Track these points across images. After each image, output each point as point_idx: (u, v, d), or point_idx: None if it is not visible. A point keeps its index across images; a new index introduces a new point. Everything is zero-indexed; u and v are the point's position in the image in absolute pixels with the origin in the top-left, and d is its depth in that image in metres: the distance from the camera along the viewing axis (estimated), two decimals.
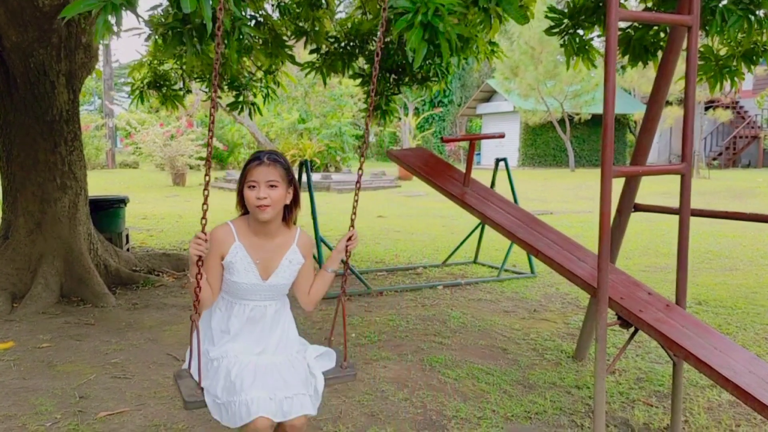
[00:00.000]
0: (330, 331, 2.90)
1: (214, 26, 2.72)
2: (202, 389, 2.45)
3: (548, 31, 4.95)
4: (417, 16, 3.24)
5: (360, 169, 2.81)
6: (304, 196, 6.74)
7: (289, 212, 2.58)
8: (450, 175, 4.35)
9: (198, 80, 7.10)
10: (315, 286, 2.71)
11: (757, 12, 3.80)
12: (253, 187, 2.44)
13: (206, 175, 2.38)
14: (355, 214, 2.71)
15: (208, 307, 2.57)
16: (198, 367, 2.44)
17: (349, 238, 2.66)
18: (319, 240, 6.36)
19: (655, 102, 3.86)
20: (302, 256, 2.63)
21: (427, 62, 6.25)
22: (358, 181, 2.74)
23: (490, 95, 34.63)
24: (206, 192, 2.32)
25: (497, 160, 7.46)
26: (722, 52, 4.52)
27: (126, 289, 6.35)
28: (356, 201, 2.76)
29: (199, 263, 2.38)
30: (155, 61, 6.63)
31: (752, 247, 9.07)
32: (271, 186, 2.44)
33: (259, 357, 2.50)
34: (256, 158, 2.49)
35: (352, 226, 2.70)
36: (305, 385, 2.47)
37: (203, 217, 2.40)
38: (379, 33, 2.74)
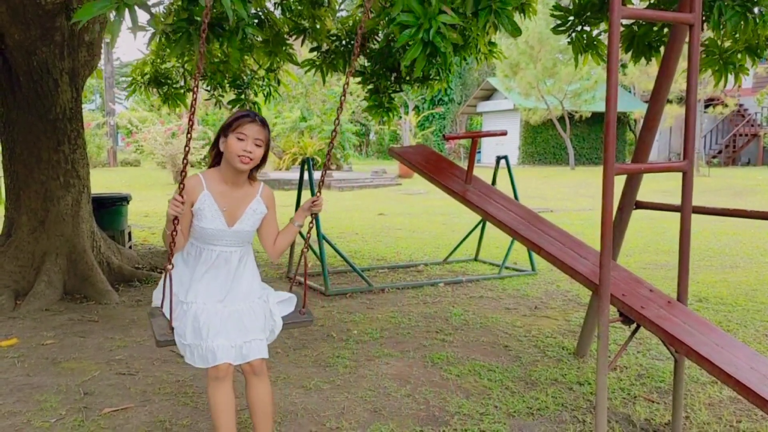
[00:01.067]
0: (295, 273, 3.36)
1: (206, 24, 2.77)
2: (172, 329, 2.75)
3: (555, 30, 4.96)
4: (419, 33, 3.28)
5: (327, 161, 3.10)
6: (305, 194, 6.77)
7: (255, 169, 2.87)
8: (452, 172, 4.36)
9: (200, 79, 7.10)
10: (280, 238, 2.98)
11: (753, 9, 3.82)
12: (242, 139, 2.71)
13: (188, 133, 2.59)
14: (320, 189, 3.02)
15: (180, 250, 2.85)
16: (170, 309, 2.73)
17: (314, 202, 2.95)
18: (321, 237, 6.38)
19: (657, 100, 3.88)
20: (265, 206, 2.90)
21: (433, 62, 6.26)
22: (326, 167, 3.05)
23: (490, 93, 34.62)
24: (186, 159, 2.59)
25: (498, 158, 7.48)
26: (726, 46, 4.53)
27: (129, 287, 6.37)
28: (323, 180, 3.07)
29: (175, 221, 2.64)
30: (158, 60, 6.64)
31: (752, 245, 9.09)
32: (257, 144, 2.74)
33: (223, 305, 2.79)
34: (247, 115, 2.76)
35: (319, 192, 3.00)
36: (263, 330, 2.84)
37: (181, 182, 2.65)
38: (354, 49, 2.97)
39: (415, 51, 3.26)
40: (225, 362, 2.69)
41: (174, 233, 2.66)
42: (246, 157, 2.72)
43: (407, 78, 6.66)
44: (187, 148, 2.60)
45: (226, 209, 2.79)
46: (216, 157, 2.86)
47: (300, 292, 3.09)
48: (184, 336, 2.73)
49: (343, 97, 3.04)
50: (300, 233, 3.11)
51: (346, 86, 3.02)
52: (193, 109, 2.65)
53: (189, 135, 2.62)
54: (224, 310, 2.77)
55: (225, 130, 2.78)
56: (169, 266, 2.71)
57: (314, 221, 3.10)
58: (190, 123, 2.62)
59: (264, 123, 2.80)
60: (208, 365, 2.69)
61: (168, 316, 2.78)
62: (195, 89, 2.67)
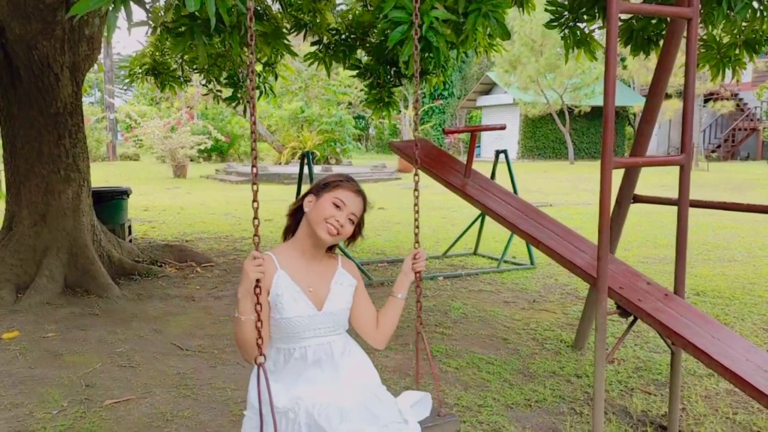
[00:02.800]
0: (415, 373, 2.57)
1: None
2: None
3: (548, 25, 4.98)
4: (412, 29, 3.29)
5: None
6: (304, 188, 6.79)
7: (347, 242, 2.35)
8: (451, 166, 4.39)
9: (198, 72, 7.13)
10: (385, 317, 2.39)
11: (763, 0, 3.84)
12: (338, 207, 2.22)
13: (253, 183, 2.09)
14: (417, 228, 2.46)
15: (262, 349, 2.11)
16: (273, 419, 2.03)
17: (415, 257, 2.40)
18: None
19: (655, 93, 3.90)
20: (352, 277, 2.35)
21: (427, 55, 6.28)
22: (416, 188, 2.46)
23: (490, 87, 34.60)
24: (255, 204, 2.07)
25: (497, 152, 7.50)
26: (724, 41, 4.56)
27: (129, 280, 6.40)
28: (417, 213, 2.46)
29: (257, 290, 2.06)
30: (157, 52, 6.66)
31: (750, 239, 9.12)
32: (350, 220, 2.25)
33: (338, 398, 2.17)
34: (350, 181, 2.29)
35: (418, 243, 2.45)
36: (400, 417, 2.16)
37: (255, 234, 2.07)
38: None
39: (410, 47, 3.28)
40: None
41: (259, 307, 2.05)
42: (334, 228, 2.19)
43: (406, 72, 6.68)
44: (255, 187, 2.09)
45: (308, 288, 2.23)
46: (295, 224, 2.32)
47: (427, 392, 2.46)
48: None
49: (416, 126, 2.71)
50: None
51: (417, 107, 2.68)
52: (253, 118, 2.16)
53: (254, 169, 2.11)
54: (342, 402, 2.15)
55: (318, 189, 2.27)
56: (261, 358, 2.07)
57: (419, 289, 2.63)
58: (253, 152, 2.13)
59: (365, 199, 2.31)
60: None
61: None
62: (251, 95, 2.17)
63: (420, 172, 2.59)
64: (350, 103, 26.96)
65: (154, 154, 22.80)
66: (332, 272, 2.31)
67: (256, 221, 2.06)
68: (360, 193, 2.29)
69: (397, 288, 2.40)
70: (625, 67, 29.12)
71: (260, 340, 2.06)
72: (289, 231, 2.34)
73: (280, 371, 2.21)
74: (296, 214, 2.32)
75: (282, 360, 2.22)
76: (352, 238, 2.32)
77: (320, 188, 2.27)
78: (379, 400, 2.19)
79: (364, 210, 2.31)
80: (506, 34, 3.77)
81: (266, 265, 2.13)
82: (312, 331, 2.20)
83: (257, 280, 2.05)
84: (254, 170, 2.13)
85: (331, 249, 2.36)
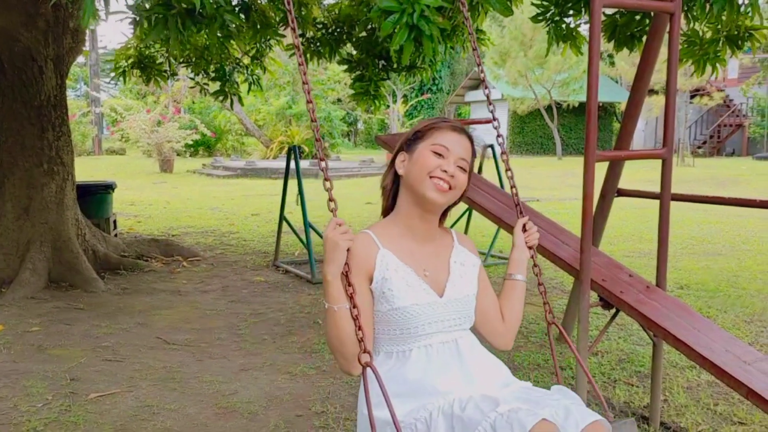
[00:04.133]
0: (555, 374, 2.15)
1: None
2: None
3: (534, 19, 4.99)
4: (403, 17, 3.27)
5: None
6: (291, 183, 6.78)
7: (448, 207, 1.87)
8: None
9: (184, 65, 7.10)
10: (508, 308, 1.95)
11: None
12: (441, 155, 1.76)
13: (316, 140, 1.74)
14: (516, 196, 2.12)
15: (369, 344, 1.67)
16: (394, 421, 1.54)
17: (524, 228, 2.02)
18: (307, 225, 6.40)
19: (639, 88, 3.93)
20: (474, 255, 1.92)
21: (420, 49, 6.29)
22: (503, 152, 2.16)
23: (478, 83, 34.61)
24: (324, 163, 1.71)
25: (484, 147, 7.52)
26: (707, 36, 4.59)
27: (115, 275, 6.37)
28: (511, 178, 2.10)
29: (347, 267, 1.65)
30: (141, 45, 6.62)
31: (734, 233, 9.21)
32: (461, 167, 1.79)
33: (484, 389, 1.71)
34: (446, 121, 1.83)
35: (521, 213, 2.06)
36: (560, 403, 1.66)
37: (330, 199, 1.68)
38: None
39: (401, 36, 3.27)
40: (544, 420, 1.53)
41: (351, 289, 1.65)
42: (444, 181, 1.74)
43: (395, 66, 6.68)
44: (318, 150, 1.75)
45: (427, 272, 1.79)
46: (389, 182, 1.87)
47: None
48: None
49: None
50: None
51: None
52: (312, 107, 1.78)
53: (315, 127, 1.75)
54: (488, 393, 1.69)
55: (410, 141, 1.82)
56: (365, 357, 1.61)
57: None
58: (314, 125, 1.76)
59: (471, 139, 1.85)
60: (530, 426, 1.51)
61: None
62: (304, 71, 1.82)
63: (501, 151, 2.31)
64: (339, 99, 26.90)
65: (140, 149, 22.66)
66: (449, 250, 1.87)
67: (327, 183, 1.70)
68: (463, 131, 1.83)
69: (515, 268, 1.96)
70: (612, 64, 29.26)
71: (360, 332, 1.62)
72: (386, 211, 1.88)
73: (392, 378, 1.71)
74: (392, 186, 1.85)
75: (396, 365, 1.74)
76: (464, 194, 1.83)
77: (412, 140, 1.82)
78: (537, 391, 1.77)
79: (474, 154, 1.84)
80: (507, 10, 3.76)
81: (365, 243, 1.74)
82: (434, 325, 1.74)
83: (347, 250, 1.64)
84: (314, 124, 1.75)
85: (442, 219, 1.90)
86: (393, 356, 1.75)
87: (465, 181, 1.80)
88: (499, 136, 2.22)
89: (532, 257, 2.01)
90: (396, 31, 3.34)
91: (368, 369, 1.59)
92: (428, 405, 1.67)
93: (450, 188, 1.75)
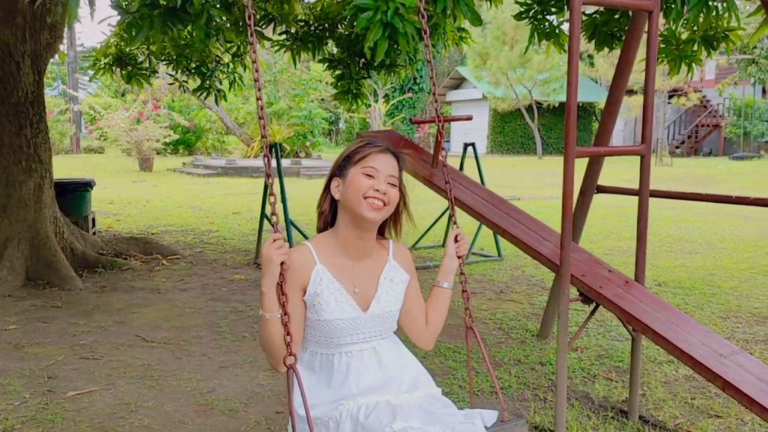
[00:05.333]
0: (468, 372, 2.29)
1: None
2: None
3: (518, 17, 5.02)
4: (377, 15, 3.28)
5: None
6: (274, 182, 6.77)
7: (387, 225, 2.02)
8: (419, 156, 4.41)
9: (165, 62, 7.04)
10: (433, 313, 2.11)
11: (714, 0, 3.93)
12: (371, 176, 1.89)
13: (265, 155, 1.86)
14: (454, 210, 2.29)
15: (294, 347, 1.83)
16: (309, 424, 1.74)
17: (456, 239, 2.16)
18: (288, 222, 6.38)
19: (617, 86, 3.97)
20: (405, 271, 2.04)
21: (395, 48, 6.30)
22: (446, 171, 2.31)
23: (459, 82, 34.78)
24: (270, 180, 1.85)
25: (465, 145, 7.55)
26: (683, 37, 4.64)
27: (93, 273, 6.30)
28: (453, 210, 2.28)
29: (281, 279, 1.79)
30: (122, 42, 6.55)
31: (711, 232, 9.33)
32: (391, 184, 1.91)
33: (390, 397, 1.89)
34: (374, 143, 1.95)
35: (456, 224, 2.21)
36: (463, 418, 1.87)
37: (273, 213, 1.84)
38: None
39: (375, 33, 3.28)
40: None
41: (284, 299, 1.80)
42: (377, 200, 1.87)
43: (375, 64, 6.68)
44: (266, 159, 1.87)
45: (356, 289, 1.93)
46: (326, 206, 1.99)
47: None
48: None
49: (440, 131, 2.42)
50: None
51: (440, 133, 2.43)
52: (262, 113, 1.95)
53: (265, 140, 1.91)
54: (393, 401, 1.88)
55: (342, 166, 1.94)
56: (290, 359, 1.78)
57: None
58: (263, 132, 1.93)
59: (399, 156, 1.97)
60: None
61: None
62: (257, 76, 1.95)
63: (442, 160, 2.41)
64: (323, 99, 26.84)
65: (119, 147, 22.43)
66: (382, 266, 2.00)
67: (272, 198, 1.84)
68: (389, 151, 1.95)
69: (443, 276, 2.13)
70: (592, 65, 29.50)
71: (288, 337, 1.78)
72: (324, 226, 2.01)
73: (318, 378, 1.93)
74: (328, 207, 1.98)
75: (318, 365, 1.94)
76: (397, 214, 1.99)
77: (343, 165, 1.93)
78: (438, 401, 1.94)
79: (401, 169, 1.97)
80: (477, 20, 3.79)
81: (303, 258, 1.89)
82: (355, 335, 1.91)
83: (281, 264, 1.78)
84: (264, 140, 1.94)
85: (381, 233, 2.03)
86: (317, 356, 1.94)
87: (397, 196, 1.94)
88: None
89: (460, 266, 2.17)
90: (370, 28, 3.34)
91: (291, 370, 1.78)
92: (341, 406, 1.86)
93: (384, 204, 1.90)
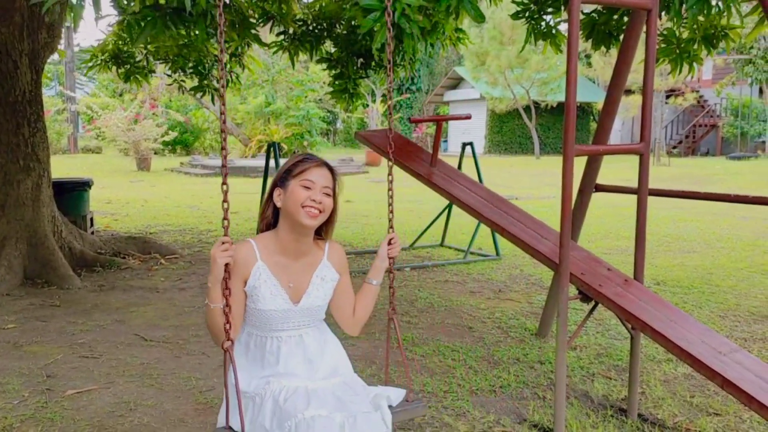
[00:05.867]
0: (385, 359, 2.56)
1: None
2: None
3: (514, 16, 5.03)
4: (383, 16, 3.28)
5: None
6: (271, 180, 6.78)
7: (324, 227, 2.29)
8: (417, 155, 4.41)
9: (162, 62, 7.04)
10: (360, 305, 2.38)
11: None
12: (309, 188, 2.16)
13: (223, 166, 2.11)
14: (392, 213, 2.46)
15: (235, 338, 2.16)
16: (239, 411, 2.05)
17: (390, 242, 2.39)
18: None
19: (616, 85, 3.97)
20: (336, 272, 2.31)
21: (399, 48, 6.30)
22: (390, 173, 2.47)
23: (457, 82, 34.79)
24: (225, 187, 2.07)
25: (464, 144, 7.56)
26: (684, 36, 4.65)
27: (91, 272, 6.30)
28: (391, 198, 2.47)
29: (226, 275, 2.07)
30: (120, 41, 6.55)
31: (709, 231, 9.34)
32: (326, 194, 2.19)
33: (308, 382, 2.16)
34: (311, 158, 2.23)
35: (392, 228, 2.44)
36: (369, 406, 2.13)
37: (225, 218, 2.06)
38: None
39: (382, 35, 3.28)
40: None
41: (227, 291, 2.07)
42: (314, 209, 2.14)
43: (372, 64, 6.68)
44: (225, 170, 2.11)
45: (288, 283, 2.21)
46: (269, 212, 2.26)
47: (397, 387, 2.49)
48: (264, 428, 2.06)
49: (390, 112, 2.61)
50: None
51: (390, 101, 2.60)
52: (223, 118, 2.15)
53: (224, 152, 2.14)
54: (310, 386, 2.14)
55: (283, 178, 2.20)
56: (227, 343, 2.07)
57: (392, 277, 2.43)
58: (223, 136, 2.14)
59: (333, 169, 2.26)
60: None
61: (238, 426, 2.08)
62: (222, 93, 2.18)
63: (385, 165, 2.57)
64: (320, 99, 26.84)
65: (117, 147, 22.41)
66: (316, 265, 2.27)
67: (225, 204, 2.06)
68: (324, 164, 2.24)
69: (373, 275, 2.40)
70: (589, 64, 29.52)
71: (228, 325, 2.06)
72: (266, 226, 2.28)
73: (252, 356, 2.22)
74: (271, 213, 2.25)
75: (253, 345, 2.23)
76: (330, 219, 2.25)
77: (284, 178, 2.21)
78: (350, 388, 2.18)
79: (335, 180, 2.24)
80: (480, 16, 3.80)
81: (246, 253, 2.16)
82: (286, 324, 2.20)
83: (226, 265, 2.05)
84: (224, 152, 2.15)
85: (318, 234, 2.29)
86: (253, 336, 2.23)
87: (331, 204, 2.21)
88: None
89: (390, 265, 2.43)
90: (377, 29, 3.35)
91: (227, 353, 2.07)
92: (267, 385, 2.14)
93: (320, 212, 2.17)
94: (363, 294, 2.40)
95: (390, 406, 2.25)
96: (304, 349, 2.22)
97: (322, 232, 2.30)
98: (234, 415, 2.08)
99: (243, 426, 2.05)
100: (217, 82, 1.95)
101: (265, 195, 2.28)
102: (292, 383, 2.13)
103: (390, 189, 2.46)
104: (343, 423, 1.98)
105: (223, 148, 2.14)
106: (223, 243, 2.05)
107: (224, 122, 2.16)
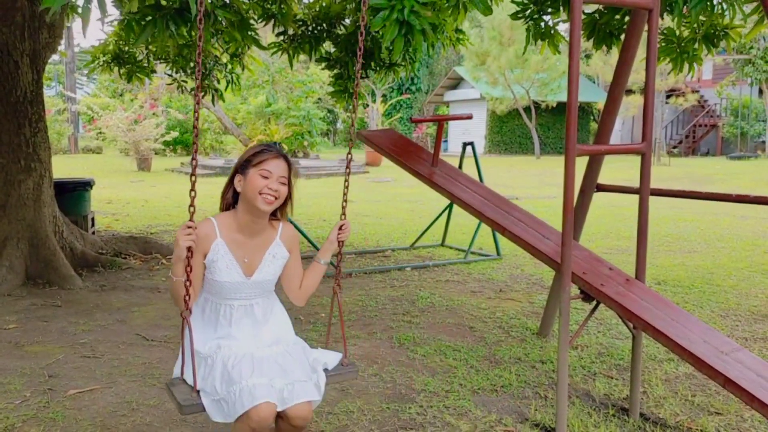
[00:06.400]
0: (327, 329, 2.89)
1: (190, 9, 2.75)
2: (198, 392, 2.37)
3: (514, 16, 5.03)
4: (393, 14, 3.29)
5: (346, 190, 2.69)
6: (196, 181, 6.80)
7: (279, 210, 2.55)
8: (419, 155, 4.41)
9: (163, 62, 7.05)
10: (306, 280, 2.67)
11: None
12: (266, 177, 2.42)
13: (193, 159, 2.36)
14: (345, 202, 2.66)
15: (193, 302, 2.48)
16: (192, 368, 2.35)
17: (341, 228, 2.64)
18: (288, 222, 6.37)
19: (617, 85, 3.97)
20: (287, 250, 2.59)
21: (408, 46, 6.30)
22: (347, 166, 2.69)
23: (457, 82, 34.80)
24: (193, 178, 2.32)
25: (464, 144, 7.56)
26: (684, 35, 4.65)
27: (92, 272, 6.30)
28: (347, 188, 2.68)
29: (189, 254, 2.31)
30: (121, 42, 6.55)
31: (709, 231, 9.35)
32: (282, 183, 2.45)
33: (254, 350, 2.44)
34: (269, 149, 2.47)
35: (344, 215, 2.65)
36: (306, 374, 2.43)
37: (191, 204, 2.31)
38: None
39: (392, 32, 3.29)
40: (266, 402, 2.23)
41: (189, 269, 2.33)
42: (270, 196, 2.41)
43: (373, 64, 6.68)
44: (194, 162, 2.36)
45: (243, 258, 2.49)
46: (233, 197, 2.53)
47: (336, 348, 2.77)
48: (214, 392, 2.34)
49: (355, 97, 2.81)
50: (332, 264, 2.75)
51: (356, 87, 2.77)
52: (197, 115, 2.36)
53: (195, 146, 2.38)
54: (256, 354, 2.42)
55: (243, 166, 2.46)
56: (186, 312, 2.37)
57: (340, 256, 2.71)
58: (195, 132, 2.36)
59: (287, 158, 2.52)
60: (245, 408, 2.22)
61: (190, 380, 2.40)
62: (198, 90, 2.41)
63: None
64: (320, 99, 26.84)
65: (117, 147, 22.41)
66: (269, 244, 2.55)
67: (192, 193, 2.30)
68: (281, 155, 2.48)
69: (321, 255, 2.67)
70: (588, 64, 29.52)
71: (188, 297, 2.36)
72: (227, 207, 2.55)
73: (207, 318, 2.54)
74: (231, 196, 2.53)
75: (209, 309, 2.54)
76: (284, 203, 2.52)
77: (244, 166, 2.46)
78: (290, 355, 2.47)
79: (290, 169, 2.50)
80: (488, 9, 3.81)
81: (207, 231, 2.44)
82: (238, 294, 2.50)
83: (188, 248, 2.31)
84: (194, 146, 2.40)
85: (274, 216, 2.55)
86: (209, 302, 2.54)
87: (286, 191, 2.48)
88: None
89: (339, 248, 2.69)
90: (386, 26, 3.35)
91: (186, 321, 2.36)
92: (218, 349, 2.43)
93: (275, 199, 2.44)
94: (311, 271, 2.68)
95: (326, 370, 2.58)
96: (253, 316, 2.53)
97: (278, 213, 2.56)
98: (188, 371, 2.39)
99: (195, 381, 2.36)
100: (196, 76, 2.15)
101: (227, 179, 2.53)
102: (240, 350, 2.41)
103: (346, 180, 2.67)
104: (282, 389, 2.30)
105: (193, 158, 2.36)
106: (187, 227, 2.30)
107: (198, 103, 2.41)
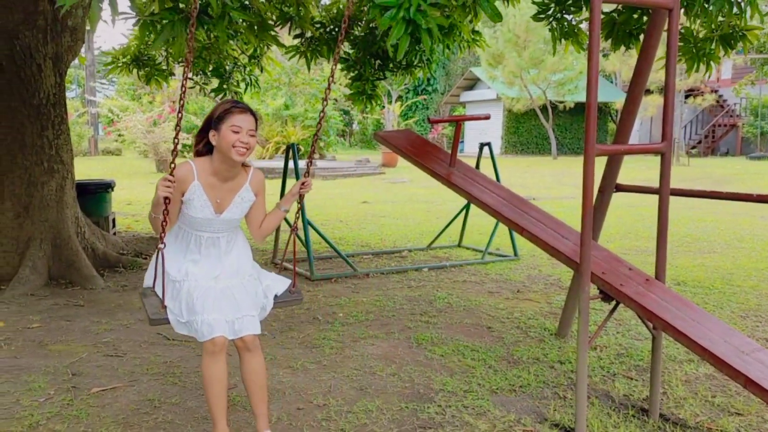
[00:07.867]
0: (282, 258, 3.36)
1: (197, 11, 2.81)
2: (165, 307, 2.82)
3: (535, 17, 5.03)
4: (399, 12, 3.30)
5: (313, 147, 3.13)
6: (290, 182, 6.82)
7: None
8: (436, 156, 4.43)
9: (182, 64, 7.11)
10: (266, 221, 3.07)
11: None
12: (237, 132, 2.76)
13: (179, 112, 2.71)
14: (311, 161, 3.13)
15: (169, 231, 2.87)
16: (162, 288, 2.82)
17: (303, 184, 3.04)
18: (306, 223, 6.42)
19: (637, 84, 3.96)
20: (254, 194, 2.98)
21: (417, 46, 6.31)
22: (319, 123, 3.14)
23: (473, 83, 34.72)
24: (176, 140, 2.68)
25: (481, 145, 7.56)
26: (701, 35, 4.62)
27: (114, 272, 6.37)
28: (313, 150, 3.19)
29: (166, 201, 2.69)
30: (141, 45, 6.63)
31: (729, 231, 9.26)
32: (251, 135, 2.82)
33: (216, 281, 2.87)
34: (238, 106, 2.82)
35: (308, 173, 3.07)
36: (255, 306, 2.90)
37: (172, 161, 2.73)
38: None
39: (398, 31, 3.30)
40: (220, 335, 2.73)
41: (165, 212, 2.71)
42: (242, 148, 2.78)
43: (390, 66, 6.71)
44: (176, 140, 2.68)
45: (215, 199, 2.88)
46: (201, 145, 2.89)
47: (289, 276, 3.14)
48: (180, 314, 2.79)
49: (328, 87, 3.08)
50: (286, 219, 3.18)
51: (332, 74, 3.11)
52: (182, 102, 2.73)
53: (178, 127, 2.67)
54: (216, 287, 2.85)
55: (216, 121, 2.81)
56: (161, 245, 2.77)
57: (300, 207, 3.11)
58: (180, 114, 2.71)
59: (253, 112, 2.88)
60: (204, 339, 2.73)
61: (160, 295, 2.85)
62: (185, 82, 2.75)
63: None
64: (336, 100, 26.92)
65: (136, 149, 22.63)
66: (239, 188, 2.93)
67: (174, 153, 2.72)
68: (248, 110, 2.84)
69: (283, 203, 3.07)
70: (607, 59, 29.31)
71: (163, 234, 2.76)
72: (201, 152, 2.89)
73: (179, 244, 2.94)
74: (202, 146, 2.88)
75: (181, 236, 2.95)
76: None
77: (216, 122, 2.80)
78: (245, 288, 2.90)
79: (257, 122, 2.87)
80: (497, 16, 3.81)
81: (186, 173, 2.81)
82: (208, 227, 2.90)
83: (165, 198, 2.67)
84: (173, 165, 2.75)
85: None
86: (182, 231, 2.93)
87: (255, 142, 2.85)
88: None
89: (299, 201, 3.10)
90: (393, 25, 3.36)
91: (160, 251, 2.79)
92: (186, 275, 2.85)
93: (247, 150, 2.81)
94: (272, 215, 3.07)
95: (276, 296, 3.02)
96: (219, 247, 2.94)
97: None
98: (159, 289, 2.85)
99: (164, 299, 2.82)
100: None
101: (198, 131, 2.90)
102: (204, 282, 2.84)
103: (313, 143, 3.21)
104: (233, 322, 2.78)
105: (172, 162, 2.74)
106: (167, 180, 2.67)
107: (184, 88, 2.77)
